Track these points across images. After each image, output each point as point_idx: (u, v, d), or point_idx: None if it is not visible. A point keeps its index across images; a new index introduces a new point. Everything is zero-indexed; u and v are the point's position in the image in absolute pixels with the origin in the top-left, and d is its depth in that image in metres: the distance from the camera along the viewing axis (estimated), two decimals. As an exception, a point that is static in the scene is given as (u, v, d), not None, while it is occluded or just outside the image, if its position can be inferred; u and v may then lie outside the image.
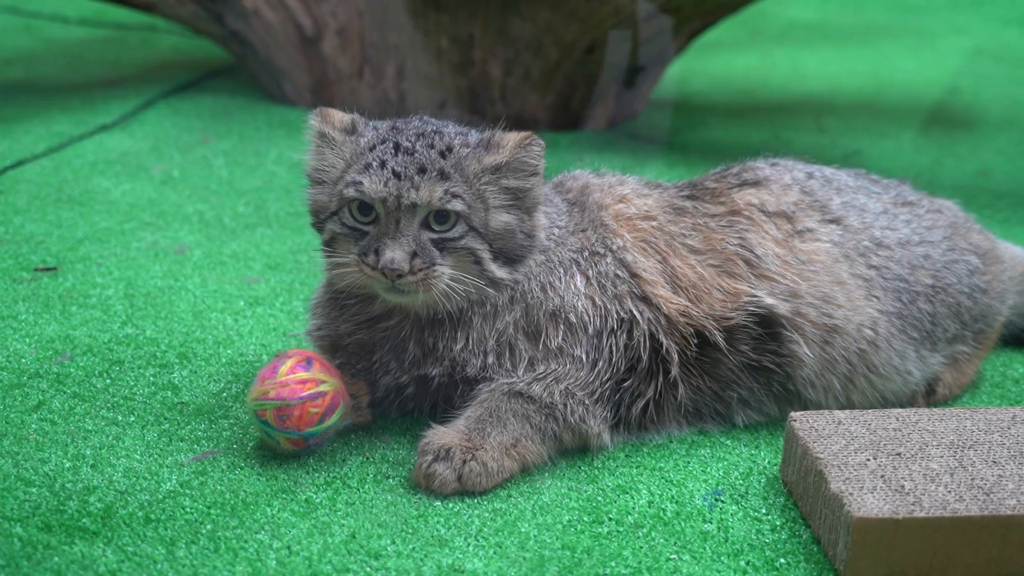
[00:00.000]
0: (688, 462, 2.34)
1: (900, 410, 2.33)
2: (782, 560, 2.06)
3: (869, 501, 2.01)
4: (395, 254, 2.19)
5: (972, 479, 2.09)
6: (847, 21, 6.66)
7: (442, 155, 2.26)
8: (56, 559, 1.94)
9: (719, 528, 2.14)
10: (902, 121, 4.76)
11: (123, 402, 2.44)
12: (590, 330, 2.34)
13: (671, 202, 2.51)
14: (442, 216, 2.23)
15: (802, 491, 2.18)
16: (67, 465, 2.21)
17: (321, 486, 2.20)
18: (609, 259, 2.38)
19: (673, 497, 2.22)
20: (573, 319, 2.33)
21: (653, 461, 2.34)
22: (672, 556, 2.05)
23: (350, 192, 2.24)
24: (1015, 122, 4.81)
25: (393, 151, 2.24)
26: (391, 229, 2.22)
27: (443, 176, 2.24)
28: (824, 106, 4.85)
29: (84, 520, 2.05)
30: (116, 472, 2.20)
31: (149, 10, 4.55)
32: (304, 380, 2.23)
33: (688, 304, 2.39)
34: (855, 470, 2.10)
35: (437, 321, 2.32)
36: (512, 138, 2.31)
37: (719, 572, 2.02)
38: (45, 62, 5.02)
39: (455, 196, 2.23)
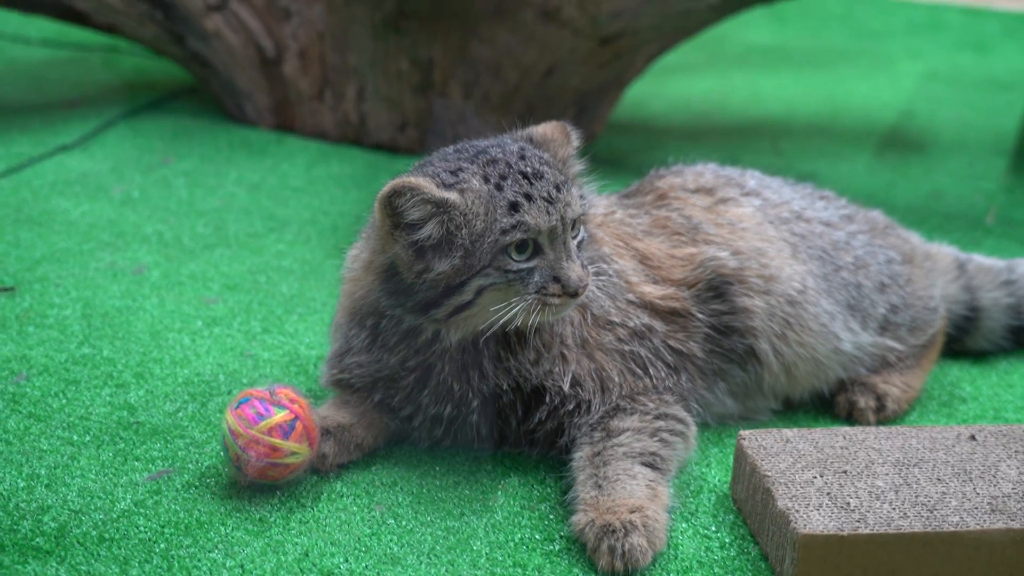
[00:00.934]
0: (639, 480, 2.37)
1: (847, 428, 2.37)
2: (730, 577, 2.09)
3: (815, 518, 2.04)
4: (578, 272, 2.18)
5: (916, 496, 2.13)
6: (805, 45, 6.74)
7: (550, 166, 2.25)
8: (9, 578, 1.95)
9: (669, 546, 2.16)
10: (857, 144, 4.83)
11: (78, 422, 2.45)
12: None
13: (617, 200, 2.65)
14: (575, 223, 2.24)
15: (751, 508, 2.22)
16: (21, 485, 2.21)
17: (275, 505, 2.21)
18: (610, 272, 2.42)
19: (624, 515, 2.25)
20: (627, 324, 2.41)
21: (605, 479, 2.36)
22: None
23: (514, 235, 2.14)
24: (967, 145, 4.88)
25: (527, 181, 2.19)
26: (562, 253, 2.19)
27: (568, 184, 2.25)
28: (781, 129, 4.90)
29: (38, 539, 2.06)
30: (71, 492, 2.21)
31: (111, 31, 4.56)
32: (276, 448, 2.19)
33: (663, 286, 2.47)
34: (802, 488, 2.13)
35: (507, 335, 2.30)
36: (556, 129, 2.34)
37: (668, 589, 2.05)
38: (5, 83, 5.02)
39: (582, 198, 2.27)
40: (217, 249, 3.40)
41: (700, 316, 2.48)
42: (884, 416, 2.61)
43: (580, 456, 2.28)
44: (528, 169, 2.20)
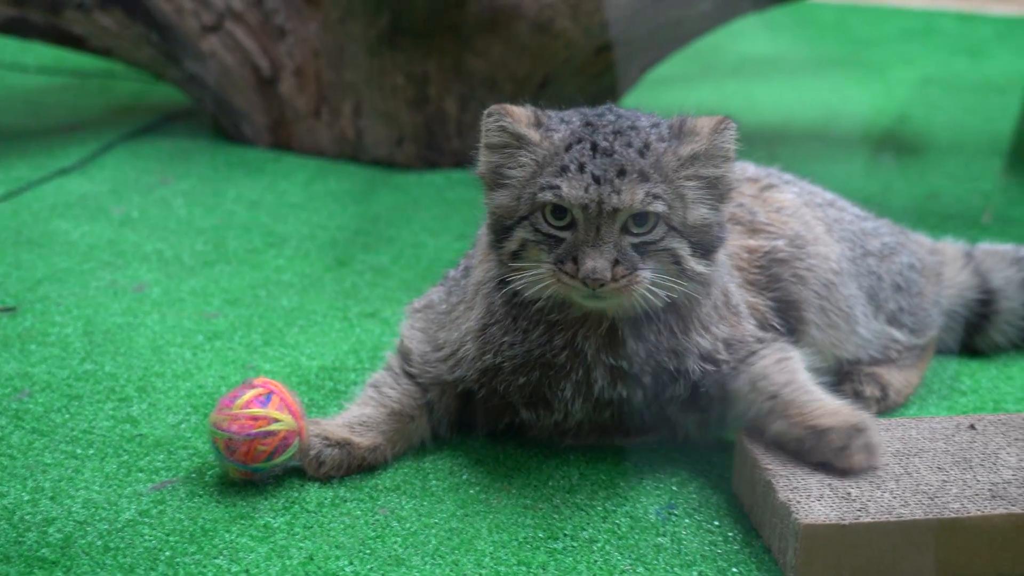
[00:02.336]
0: (642, 479, 2.38)
1: (847, 421, 2.37)
2: (734, 569, 2.09)
3: (816, 508, 2.05)
4: (596, 263, 2.11)
5: (917, 485, 2.13)
6: (799, 54, 6.77)
7: (640, 153, 2.18)
8: (15, 588, 1.96)
9: (672, 540, 2.17)
10: (853, 149, 4.85)
11: (82, 435, 2.46)
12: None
13: None
14: (642, 218, 2.17)
15: (752, 502, 2.22)
16: (26, 498, 2.22)
17: (279, 511, 2.22)
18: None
19: (627, 512, 2.26)
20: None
21: (608, 478, 2.37)
22: (626, 568, 2.09)
23: (546, 196, 2.15)
24: (962, 147, 4.90)
25: (591, 152, 2.16)
26: (591, 236, 2.14)
27: (643, 177, 2.16)
28: (777, 136, 4.92)
29: (43, 551, 2.07)
30: (75, 503, 2.22)
31: (107, 54, 4.59)
32: (257, 417, 2.25)
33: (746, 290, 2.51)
34: (802, 479, 2.14)
35: (639, 320, 2.27)
36: (706, 123, 2.24)
37: (672, 583, 2.06)
38: (3, 109, 5.05)
39: (656, 197, 2.16)
40: (217, 265, 3.42)
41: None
42: (886, 405, 2.63)
43: (740, 383, 2.32)
44: (603, 143, 2.16)
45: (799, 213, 2.64)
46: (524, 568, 2.08)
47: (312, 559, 2.08)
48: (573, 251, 2.15)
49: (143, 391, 2.66)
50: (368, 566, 2.07)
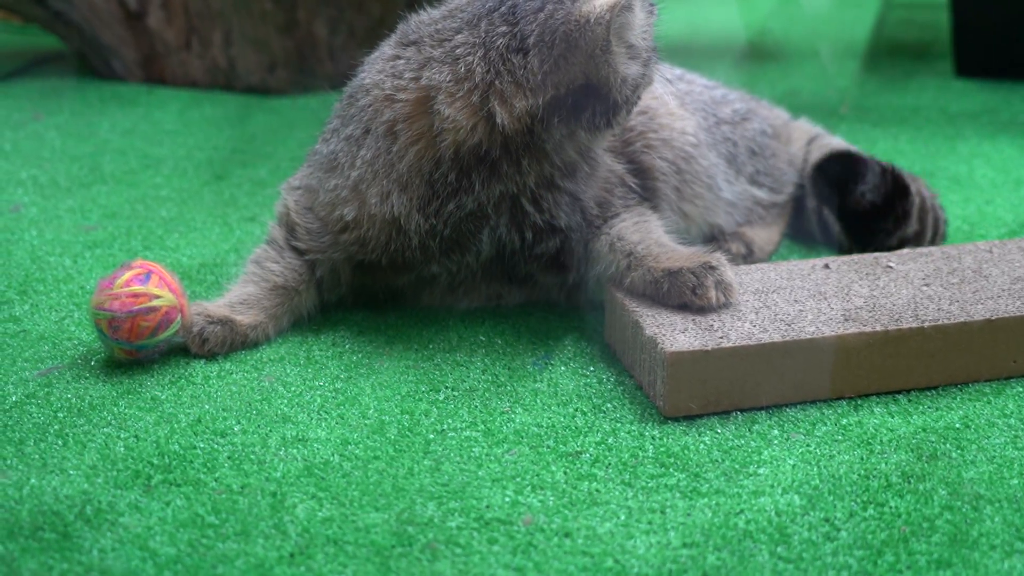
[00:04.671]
0: (518, 336, 2.47)
1: (710, 270, 2.49)
2: (608, 405, 2.20)
3: (681, 339, 2.16)
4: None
5: (775, 315, 2.26)
6: (664, -18, 6.90)
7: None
8: (-96, 460, 1.99)
9: (549, 385, 2.27)
10: (716, 58, 5.00)
11: (-36, 335, 2.48)
12: None
13: None
14: None
15: (623, 346, 2.33)
16: (-91, 389, 2.24)
17: (166, 385, 2.27)
18: None
19: (506, 364, 2.35)
20: None
21: (486, 339, 2.46)
22: (505, 409, 2.18)
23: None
24: (820, 53, 5.09)
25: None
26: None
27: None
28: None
29: (-70, 432, 2.09)
30: (-40, 391, 2.25)
31: (-31, -1, 4.54)
32: (138, 294, 2.29)
33: None
34: (668, 317, 2.25)
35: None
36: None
37: (550, 419, 2.15)
38: None
39: None
40: (94, 187, 3.43)
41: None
42: (752, 261, 2.76)
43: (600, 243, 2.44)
44: None
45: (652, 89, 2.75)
46: (408, 416, 2.16)
47: (200, 421, 2.14)
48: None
49: (24, 294, 2.67)
50: (256, 424, 2.13)
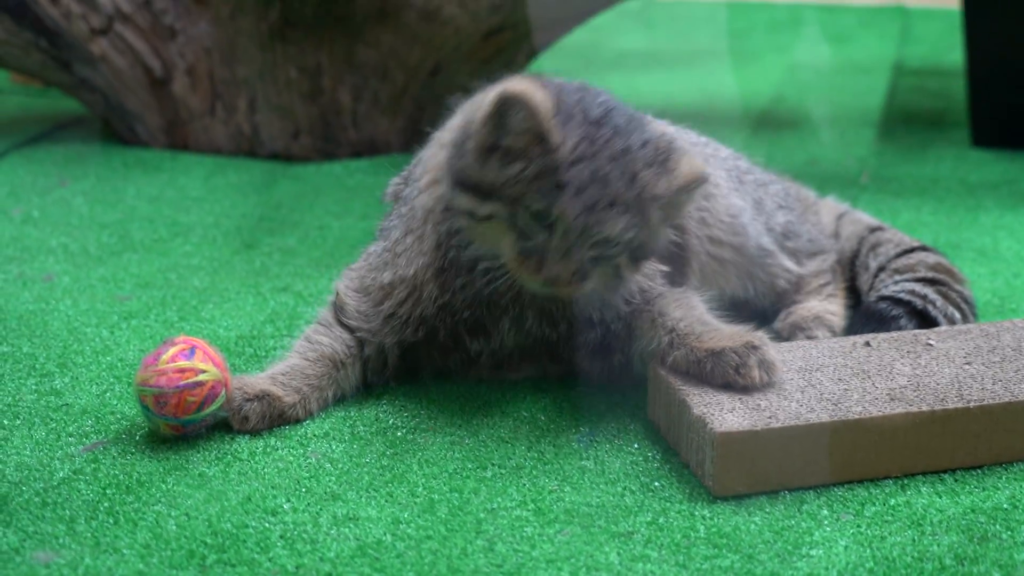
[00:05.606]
0: (560, 412, 2.48)
1: (751, 347, 2.51)
2: (656, 483, 2.21)
3: (729, 419, 2.17)
4: (560, 271, 2.21)
5: (821, 394, 2.27)
6: (675, 47, 6.99)
7: (629, 184, 2.22)
8: (-42, 539, 1.99)
9: (596, 463, 2.28)
10: (732, 126, 5.05)
11: (7, 409, 2.48)
12: None
13: None
14: (611, 243, 2.24)
15: (668, 424, 2.34)
16: (-43, 465, 2.25)
17: (212, 461, 2.28)
18: None
19: (551, 442, 2.36)
20: None
21: (529, 415, 2.47)
22: (554, 488, 2.19)
23: (538, 205, 2.19)
24: (835, 120, 5.15)
25: (590, 178, 2.19)
26: (562, 247, 2.21)
27: (627, 209, 2.22)
28: (659, 117, 5.09)
29: (-20, 510, 2.10)
30: (7, 467, 2.24)
31: (-6, 64, 4.58)
32: (183, 369, 2.31)
33: None
34: (714, 396, 2.27)
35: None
36: (686, 169, 2.28)
37: (599, 498, 2.16)
38: None
39: (631, 227, 2.24)
40: (124, 255, 3.44)
41: None
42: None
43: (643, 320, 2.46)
44: (604, 169, 2.21)
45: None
46: (457, 494, 2.16)
47: (250, 499, 2.14)
48: (541, 253, 2.23)
49: (64, 367, 2.68)
50: (306, 502, 2.13)
